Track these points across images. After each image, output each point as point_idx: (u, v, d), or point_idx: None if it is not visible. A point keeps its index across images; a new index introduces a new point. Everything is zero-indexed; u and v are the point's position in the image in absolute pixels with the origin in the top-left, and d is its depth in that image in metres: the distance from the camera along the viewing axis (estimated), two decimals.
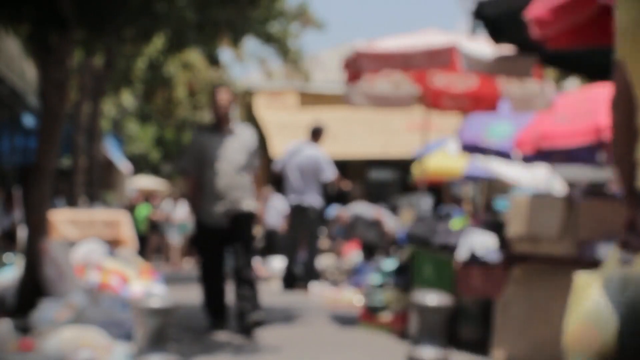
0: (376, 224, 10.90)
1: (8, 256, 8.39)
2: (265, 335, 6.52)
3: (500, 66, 6.51)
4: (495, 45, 6.39)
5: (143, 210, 17.35)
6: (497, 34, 6.03)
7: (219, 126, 6.60)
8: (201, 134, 6.69)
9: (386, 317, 7.10)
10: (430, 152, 12.02)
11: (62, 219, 9.20)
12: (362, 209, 11.00)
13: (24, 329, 5.41)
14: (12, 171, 13.32)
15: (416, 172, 14.29)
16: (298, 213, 9.91)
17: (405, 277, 7.10)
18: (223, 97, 6.64)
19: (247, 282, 6.46)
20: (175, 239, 16.61)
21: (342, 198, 16.21)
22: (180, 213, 16.82)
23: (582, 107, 8.27)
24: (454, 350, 5.75)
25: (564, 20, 4.70)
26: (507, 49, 6.34)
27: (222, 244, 6.58)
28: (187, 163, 6.68)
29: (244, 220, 6.51)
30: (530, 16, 4.88)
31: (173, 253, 16.48)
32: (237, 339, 6.41)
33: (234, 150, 6.51)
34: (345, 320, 7.74)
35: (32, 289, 6.18)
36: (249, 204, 6.50)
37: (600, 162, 9.68)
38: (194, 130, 6.86)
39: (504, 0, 5.71)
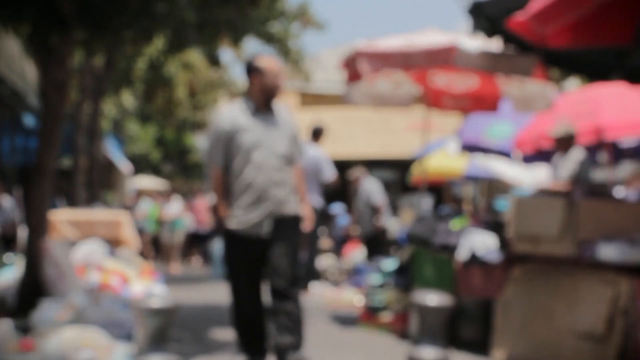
0: (375, 210, 10.92)
1: (8, 256, 8.39)
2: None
3: (500, 65, 6.51)
4: (494, 45, 6.40)
5: (154, 211, 17.26)
6: (497, 34, 6.04)
7: (262, 106, 5.11)
8: (234, 113, 5.11)
9: (386, 317, 7.10)
10: (431, 152, 12.02)
11: (62, 219, 9.20)
12: (376, 190, 11.01)
13: (25, 329, 5.41)
14: (12, 171, 13.33)
15: (416, 172, 14.30)
16: None
17: (405, 277, 7.10)
18: (277, 67, 5.14)
19: (287, 309, 4.93)
20: (168, 237, 16.42)
21: (342, 197, 16.21)
22: (173, 209, 16.71)
23: (582, 108, 8.27)
24: (454, 350, 5.75)
25: (563, 17, 4.70)
26: (507, 49, 6.35)
27: (260, 260, 5.01)
28: (212, 150, 5.11)
29: (287, 226, 5.02)
30: (530, 13, 4.88)
31: (169, 252, 16.33)
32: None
33: (277, 137, 5.08)
34: (345, 320, 7.74)
35: (33, 289, 6.19)
36: (294, 206, 5.07)
37: (600, 162, 9.69)
38: (224, 108, 5.48)
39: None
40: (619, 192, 9.43)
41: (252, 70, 5.08)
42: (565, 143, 7.28)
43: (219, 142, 5.05)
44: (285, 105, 5.35)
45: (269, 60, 5.12)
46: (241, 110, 5.08)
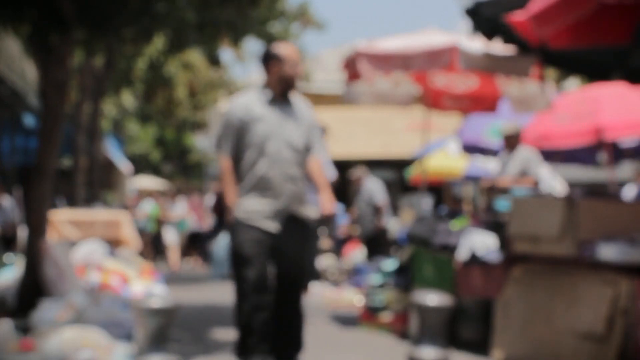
0: (376, 211, 10.94)
1: (8, 256, 8.40)
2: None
3: (499, 66, 6.52)
4: (494, 45, 6.40)
5: (155, 211, 17.26)
6: (496, 34, 6.04)
7: (278, 96, 4.80)
8: (249, 102, 4.80)
9: (386, 317, 7.10)
10: (431, 152, 12.03)
11: (63, 219, 9.21)
12: (378, 190, 11.03)
13: (25, 329, 5.41)
14: (12, 171, 13.33)
15: (414, 171, 14.31)
16: None
17: (405, 277, 7.10)
18: (297, 55, 4.83)
19: (287, 321, 4.76)
20: (172, 238, 16.42)
21: (342, 197, 16.23)
22: (179, 210, 16.72)
23: (582, 108, 8.28)
24: (454, 350, 5.75)
25: (562, 18, 4.70)
26: (507, 49, 6.35)
27: (267, 253, 4.68)
28: (222, 139, 4.78)
29: (299, 227, 4.76)
30: (530, 14, 4.89)
31: (171, 253, 16.34)
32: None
33: (292, 129, 4.77)
34: (345, 320, 7.75)
35: (33, 289, 6.19)
36: (307, 206, 4.81)
37: (600, 162, 9.70)
38: (237, 95, 5.11)
39: (503, 0, 5.72)
40: (630, 190, 9.45)
41: (270, 57, 4.78)
42: (512, 141, 7.40)
43: (230, 131, 4.74)
44: (302, 97, 5.03)
45: (289, 47, 4.84)
46: (256, 99, 4.77)
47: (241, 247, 4.65)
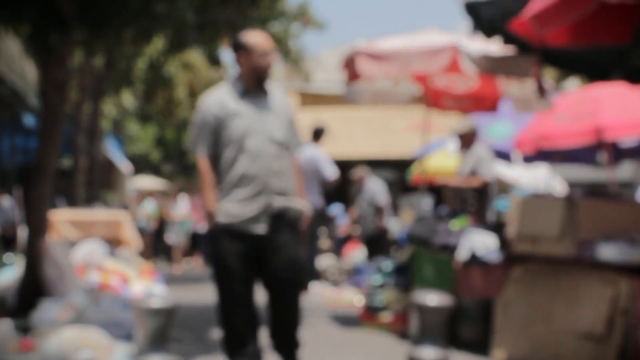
0: (377, 211, 10.95)
1: (8, 256, 8.40)
2: (265, 335, 6.51)
3: (500, 66, 6.52)
4: (494, 45, 6.39)
5: (155, 210, 17.28)
6: (496, 34, 6.04)
7: (252, 88, 4.53)
8: (222, 97, 4.51)
9: (386, 317, 7.10)
10: (431, 152, 12.02)
11: (63, 219, 9.21)
12: (380, 190, 11.03)
13: (25, 329, 5.42)
14: (12, 171, 13.34)
15: (415, 171, 14.30)
16: None
17: (405, 277, 7.10)
18: (266, 43, 4.51)
19: (285, 326, 4.60)
20: (176, 239, 16.47)
21: (342, 197, 16.22)
22: (182, 209, 16.73)
23: (582, 108, 8.28)
24: (454, 350, 5.75)
25: (562, 18, 4.70)
26: (507, 49, 6.35)
27: (253, 259, 4.42)
28: (198, 138, 4.48)
29: (288, 224, 4.46)
30: (530, 14, 4.89)
31: (174, 253, 16.37)
32: None
33: (271, 121, 4.48)
34: (345, 320, 7.75)
35: (33, 289, 6.19)
36: (294, 200, 4.50)
37: (600, 162, 9.70)
38: (210, 91, 4.70)
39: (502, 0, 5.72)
40: None
41: (238, 48, 4.49)
42: (467, 139, 7.42)
43: (206, 129, 4.44)
44: (278, 86, 4.86)
45: (257, 36, 4.51)
46: (229, 94, 4.48)
47: (226, 261, 4.37)
